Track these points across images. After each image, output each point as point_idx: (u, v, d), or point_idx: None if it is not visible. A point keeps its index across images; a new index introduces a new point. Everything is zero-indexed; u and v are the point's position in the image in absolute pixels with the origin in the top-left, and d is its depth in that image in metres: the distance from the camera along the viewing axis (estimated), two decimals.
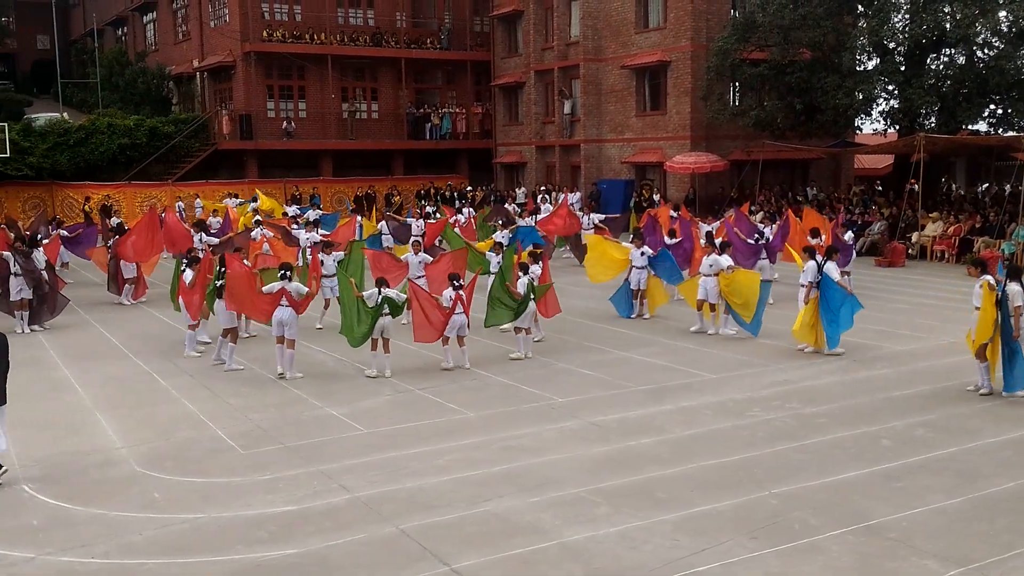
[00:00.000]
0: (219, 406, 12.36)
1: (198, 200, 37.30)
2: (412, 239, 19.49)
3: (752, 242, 20.74)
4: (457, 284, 14.30)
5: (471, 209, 31.50)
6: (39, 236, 20.01)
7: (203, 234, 21.62)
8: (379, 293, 13.68)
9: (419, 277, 16.61)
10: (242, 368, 14.52)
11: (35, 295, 17.45)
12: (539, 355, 15.12)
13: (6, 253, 17.56)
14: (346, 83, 42.96)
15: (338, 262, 17.64)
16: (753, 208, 31.29)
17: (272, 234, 22.16)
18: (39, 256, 17.89)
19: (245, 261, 15.12)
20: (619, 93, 36.83)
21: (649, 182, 36.25)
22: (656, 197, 34.24)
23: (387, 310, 13.68)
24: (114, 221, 27.77)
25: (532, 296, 14.88)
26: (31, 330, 17.41)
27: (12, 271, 17.21)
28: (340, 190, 41.64)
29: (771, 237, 20.95)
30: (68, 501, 9.00)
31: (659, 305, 18.27)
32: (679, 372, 13.90)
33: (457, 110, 44.83)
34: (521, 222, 23.54)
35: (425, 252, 18.00)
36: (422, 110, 44.30)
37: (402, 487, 9.24)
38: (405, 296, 14.02)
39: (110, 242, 21.20)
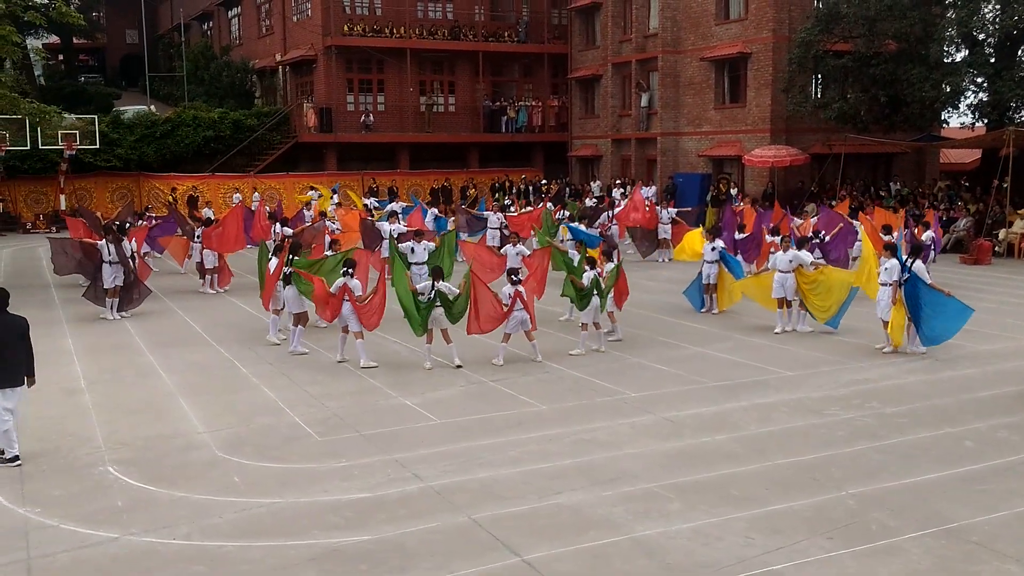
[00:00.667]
0: (297, 394, 12.60)
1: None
2: (510, 231, 19.94)
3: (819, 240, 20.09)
4: (516, 279, 14.24)
5: (550, 204, 31.45)
6: (127, 225, 20.63)
7: (278, 224, 22.11)
8: (432, 287, 13.66)
9: (515, 268, 16.75)
10: (307, 352, 14.86)
11: (124, 283, 18.02)
12: (612, 349, 15.07)
13: (100, 242, 18.15)
14: (424, 76, 43.31)
15: (430, 252, 18.01)
16: (834, 203, 30.63)
17: (338, 227, 22.77)
18: (127, 245, 18.46)
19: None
20: (697, 85, 36.43)
21: (726, 176, 35.76)
22: (733, 191, 33.77)
23: (439, 303, 13.65)
24: (206, 213, 28.61)
25: (596, 291, 14.75)
26: (119, 316, 17.97)
27: (106, 259, 17.78)
28: (416, 183, 42.00)
29: (827, 238, 20.48)
30: (152, 483, 9.28)
31: (735, 301, 18.06)
32: (754, 368, 13.76)
33: (533, 103, 44.83)
34: (581, 226, 23.31)
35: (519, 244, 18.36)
36: (498, 103, 44.43)
37: (474, 477, 9.32)
38: (457, 291, 13.92)
39: (197, 233, 21.72)
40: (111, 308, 18.03)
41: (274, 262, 15.47)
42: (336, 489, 9.07)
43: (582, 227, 22.89)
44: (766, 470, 9.46)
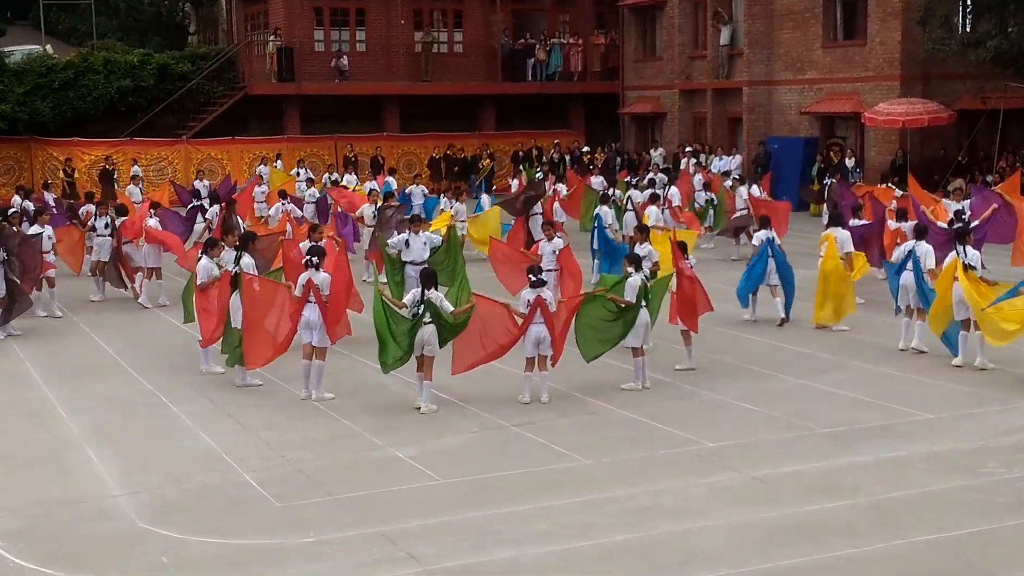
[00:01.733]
0: (247, 441, 12.64)
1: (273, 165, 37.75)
2: (542, 222, 20.16)
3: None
4: (536, 279, 14.22)
5: (601, 178, 31.49)
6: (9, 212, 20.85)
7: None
8: (422, 297, 13.61)
9: (550, 271, 16.87)
10: (260, 384, 14.95)
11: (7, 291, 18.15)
12: (681, 381, 15.06)
13: None
14: (420, 4, 43.47)
15: (433, 249, 18.09)
16: (990, 178, 30.48)
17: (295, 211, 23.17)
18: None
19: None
20: (799, 15, 36.33)
21: (839, 141, 35.63)
22: (849, 162, 33.66)
23: (429, 318, 13.60)
24: (132, 192, 28.81)
25: (645, 302, 14.69)
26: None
27: None
28: (410, 150, 42.16)
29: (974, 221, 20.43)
30: (49, 565, 9.30)
31: (848, 313, 17.99)
32: (879, 409, 13.68)
33: (571, 41, 44.90)
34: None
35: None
36: (522, 41, 44.50)
37: (491, 559, 9.31)
38: (452, 307, 13.88)
39: (103, 222, 21.86)
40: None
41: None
42: (302, 575, 9.06)
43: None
44: (898, 551, 9.38)
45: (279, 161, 37.35)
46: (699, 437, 12.60)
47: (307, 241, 16.77)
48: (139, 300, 20.95)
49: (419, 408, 13.74)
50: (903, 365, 15.85)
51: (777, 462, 11.71)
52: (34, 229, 19.72)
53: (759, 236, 18.66)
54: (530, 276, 14.36)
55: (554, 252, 18.17)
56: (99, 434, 12.99)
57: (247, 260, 15.26)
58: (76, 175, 36.63)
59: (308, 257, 14.48)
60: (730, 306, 19.89)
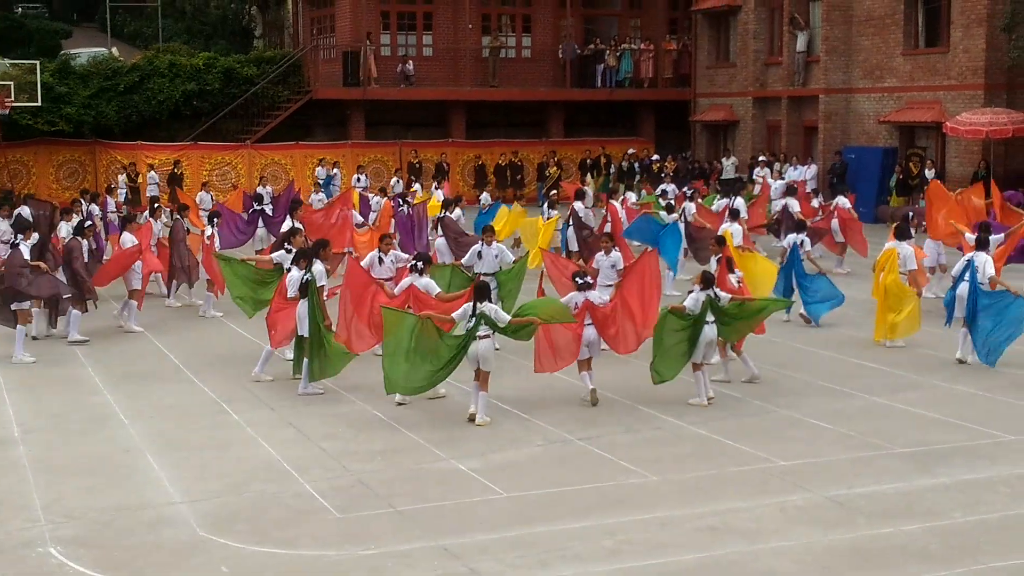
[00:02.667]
0: (309, 451, 12.75)
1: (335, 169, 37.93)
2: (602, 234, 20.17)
3: None
4: (582, 282, 14.42)
5: (673, 186, 31.46)
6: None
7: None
8: (474, 310, 13.65)
9: (607, 286, 16.83)
10: (322, 392, 15.09)
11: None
12: (752, 397, 14.97)
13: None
14: (488, 9, 43.66)
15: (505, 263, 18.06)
16: None
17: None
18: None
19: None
20: (878, 21, 36.03)
21: (919, 151, 35.26)
22: (929, 173, 33.28)
23: (484, 331, 13.64)
24: (203, 199, 29.11)
25: (710, 317, 14.52)
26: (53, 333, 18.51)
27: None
28: (476, 156, 42.25)
29: None
30: (109, 573, 9.44)
31: (910, 331, 17.76)
32: (958, 429, 13.53)
33: (642, 46, 44.84)
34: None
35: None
36: (592, 47, 44.51)
37: (556, 575, 9.30)
38: (508, 317, 13.97)
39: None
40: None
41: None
42: None
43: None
44: None
45: (336, 168, 37.66)
46: (770, 455, 12.52)
47: (375, 251, 16.99)
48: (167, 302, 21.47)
49: (473, 419, 13.77)
50: (983, 384, 15.64)
51: (851, 482, 11.60)
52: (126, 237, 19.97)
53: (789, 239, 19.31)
54: (576, 279, 14.53)
55: (613, 267, 17.87)
56: (160, 441, 13.17)
57: (319, 267, 15.32)
58: (140, 179, 37.08)
59: (414, 262, 14.83)
60: (803, 323, 19.77)
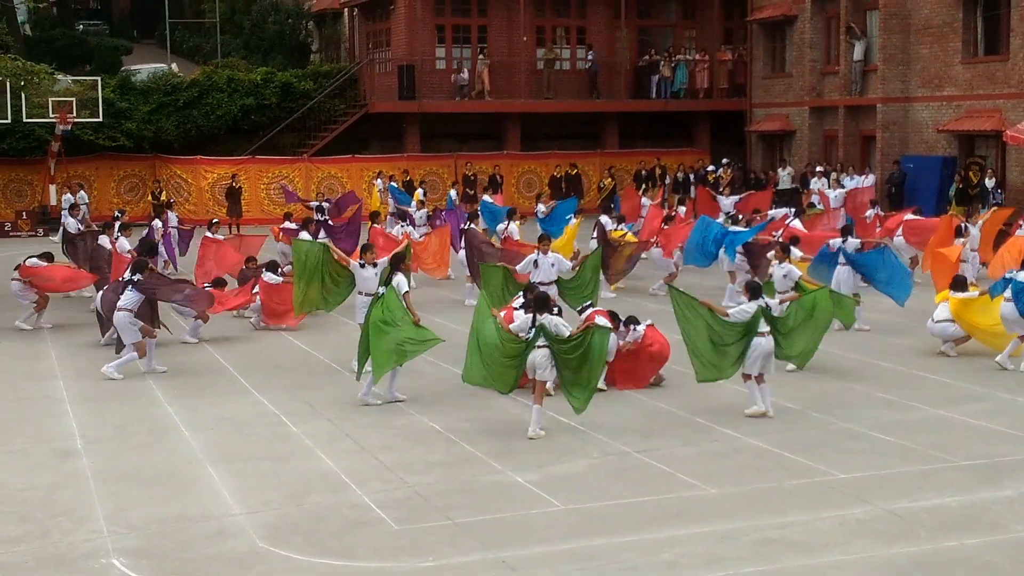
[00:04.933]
0: (366, 463, 12.82)
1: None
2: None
3: None
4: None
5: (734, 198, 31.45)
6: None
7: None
8: (534, 321, 13.70)
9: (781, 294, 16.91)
10: (379, 403, 15.23)
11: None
12: (811, 409, 14.87)
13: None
14: (543, 21, 43.74)
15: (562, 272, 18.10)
16: None
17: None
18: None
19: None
20: (937, 30, 35.72)
21: (979, 160, 34.88)
22: (989, 182, 32.93)
23: (542, 342, 13.65)
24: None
25: (759, 327, 14.40)
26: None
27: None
28: (530, 168, 42.30)
29: None
30: None
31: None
32: (1022, 442, 13.39)
33: (697, 57, 44.73)
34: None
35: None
36: (647, 58, 44.48)
37: None
38: (569, 331, 13.87)
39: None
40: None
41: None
42: None
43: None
44: None
45: (389, 179, 37.83)
46: (829, 467, 12.43)
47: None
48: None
49: (529, 433, 13.75)
50: None
51: (913, 495, 11.50)
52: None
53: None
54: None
55: (786, 276, 17.52)
56: (219, 453, 13.28)
57: (399, 278, 15.49)
58: (163, 196, 37.57)
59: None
60: (863, 333, 19.62)
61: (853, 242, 20.02)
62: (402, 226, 25.56)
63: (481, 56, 41.83)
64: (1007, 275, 17.31)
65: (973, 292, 17.80)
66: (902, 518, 10.89)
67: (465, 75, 42.08)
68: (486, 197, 32.00)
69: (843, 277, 19.62)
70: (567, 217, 26.63)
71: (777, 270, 17.11)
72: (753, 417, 14.46)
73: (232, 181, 37.67)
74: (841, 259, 19.87)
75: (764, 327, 14.43)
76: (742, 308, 14.53)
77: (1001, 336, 17.24)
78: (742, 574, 9.58)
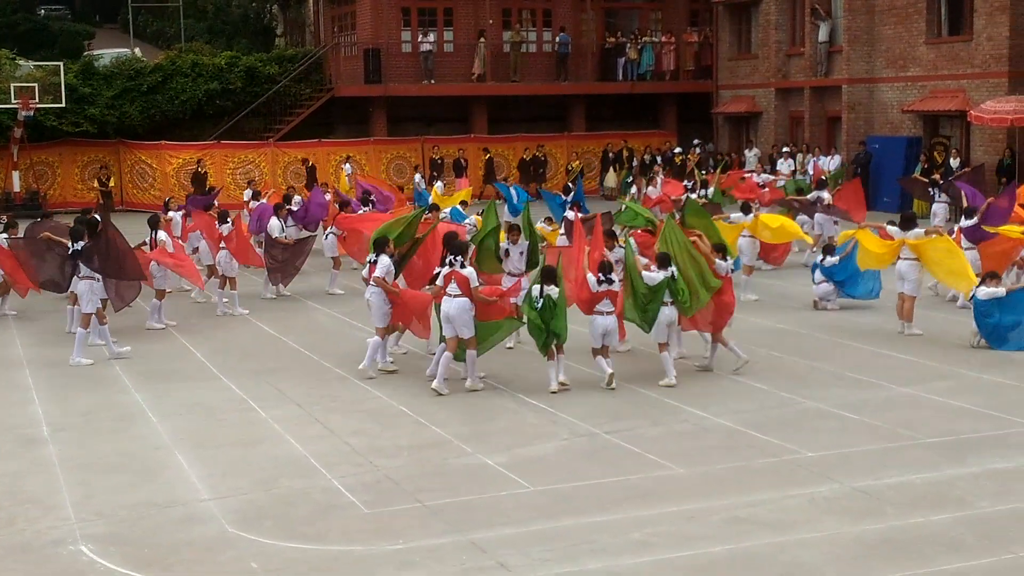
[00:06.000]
0: (336, 447, 12.79)
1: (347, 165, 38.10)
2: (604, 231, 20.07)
3: None
4: (607, 278, 14.67)
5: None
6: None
7: None
8: (541, 292, 14.54)
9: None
10: (373, 376, 15.57)
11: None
12: (779, 388, 14.94)
13: None
14: (508, 3, 43.55)
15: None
16: None
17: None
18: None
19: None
20: (900, 10, 35.85)
21: (944, 140, 35.09)
22: (954, 162, 33.11)
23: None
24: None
25: (674, 297, 14.95)
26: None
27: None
28: (496, 152, 42.23)
29: None
30: (139, 570, 9.50)
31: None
32: (988, 419, 13.48)
33: (663, 39, 44.75)
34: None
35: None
36: (613, 39, 44.45)
37: (583, 569, 9.32)
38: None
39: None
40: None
41: None
42: None
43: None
44: (1007, 567, 9.26)
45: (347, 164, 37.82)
46: (798, 447, 12.50)
47: None
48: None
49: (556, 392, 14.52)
50: (1015, 374, 15.58)
51: (880, 473, 11.57)
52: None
53: None
54: (599, 275, 14.74)
55: (617, 262, 17.81)
56: (188, 439, 13.22)
57: (383, 260, 15.63)
58: (112, 183, 37.34)
59: (452, 254, 14.90)
60: (830, 314, 19.74)
61: (831, 260, 20.07)
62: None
63: (481, 40, 41.81)
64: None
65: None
66: (869, 495, 10.95)
67: (433, 61, 41.82)
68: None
69: (821, 293, 20.06)
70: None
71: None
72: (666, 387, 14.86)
73: (197, 166, 37.53)
74: (818, 276, 20.14)
75: (668, 298, 14.82)
76: (650, 275, 14.88)
77: (964, 277, 17.56)
78: (711, 553, 9.61)
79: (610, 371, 14.73)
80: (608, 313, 14.74)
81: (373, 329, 16.09)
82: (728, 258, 16.04)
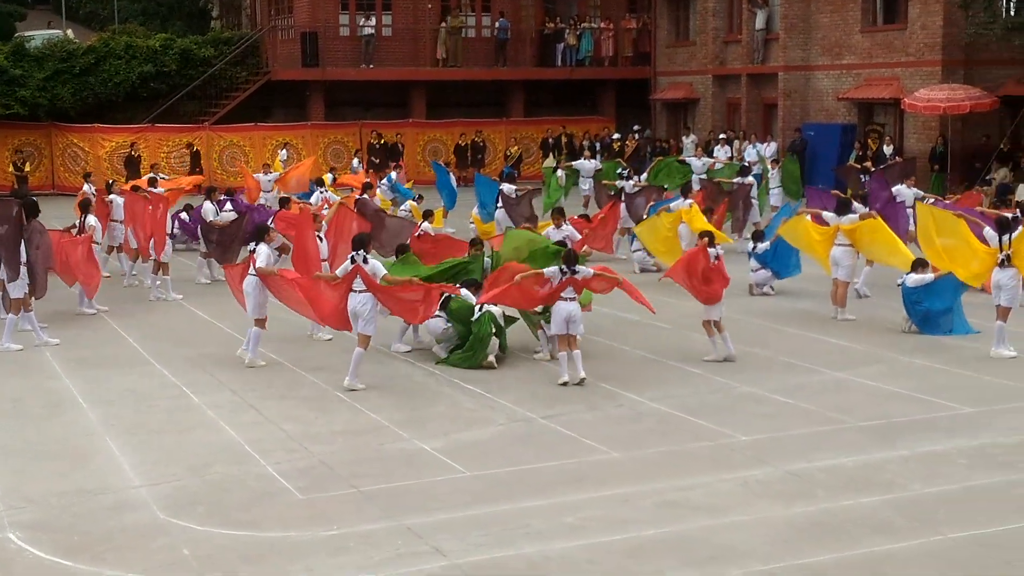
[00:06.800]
0: (270, 433, 12.72)
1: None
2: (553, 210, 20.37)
3: None
4: (569, 269, 14.49)
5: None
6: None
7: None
8: (562, 273, 14.51)
9: None
10: (264, 364, 15.35)
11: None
12: (714, 373, 15.06)
13: None
14: None
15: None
16: None
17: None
18: None
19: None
20: None
21: (878, 127, 35.45)
22: (888, 149, 33.48)
23: (571, 294, 14.44)
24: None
25: (570, 294, 14.81)
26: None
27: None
28: (435, 137, 42.17)
29: None
30: (69, 557, 9.41)
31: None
32: (917, 402, 13.66)
33: (602, 25, 44.82)
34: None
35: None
36: (552, 25, 44.45)
37: (519, 553, 9.35)
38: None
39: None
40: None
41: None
42: (325, 567, 9.13)
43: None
44: (935, 548, 9.38)
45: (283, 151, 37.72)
46: (732, 431, 12.60)
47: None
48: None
49: (566, 384, 14.36)
50: (944, 358, 15.80)
51: (811, 456, 11.70)
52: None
53: None
54: (563, 263, 14.55)
55: (565, 239, 18.19)
56: (120, 425, 13.10)
57: (263, 249, 15.48)
58: (27, 168, 36.93)
59: (356, 247, 14.58)
60: (766, 299, 19.92)
61: (762, 245, 20.14)
62: (320, 191, 25.35)
63: (444, 24, 41.68)
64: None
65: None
66: (801, 478, 11.07)
67: (374, 45, 41.60)
68: (392, 173, 31.81)
69: (758, 280, 20.20)
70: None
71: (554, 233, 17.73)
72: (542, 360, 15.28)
73: (131, 150, 37.11)
74: (753, 263, 20.26)
75: (571, 293, 14.50)
76: (550, 269, 14.77)
77: (899, 254, 17.80)
78: (644, 536, 9.67)
79: (564, 378, 14.38)
80: (572, 299, 14.44)
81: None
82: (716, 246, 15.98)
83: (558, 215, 19.57)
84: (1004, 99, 32.76)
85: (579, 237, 19.52)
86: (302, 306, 15.29)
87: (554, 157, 40.26)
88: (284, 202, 23.55)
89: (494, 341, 15.33)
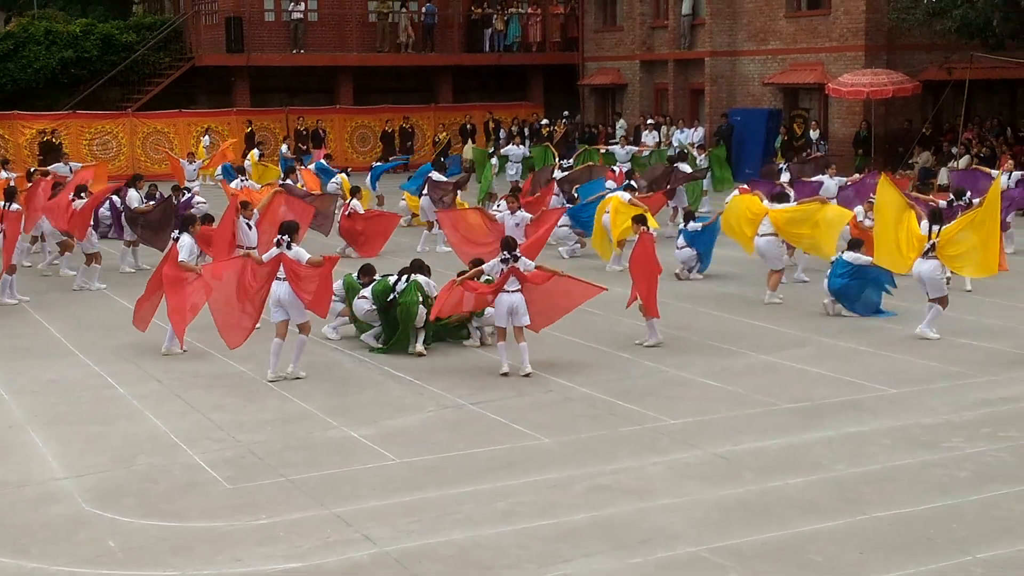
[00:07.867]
0: (197, 422, 12.61)
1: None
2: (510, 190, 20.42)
3: None
4: (511, 255, 14.38)
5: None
6: None
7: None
8: (406, 278, 14.90)
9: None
10: (305, 375, 14.42)
11: None
12: (643, 358, 15.15)
13: None
14: None
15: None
16: (955, 150, 30.77)
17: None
18: None
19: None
20: None
21: (803, 112, 35.85)
22: (813, 133, 33.87)
23: (514, 286, 14.28)
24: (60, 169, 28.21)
25: (513, 286, 14.71)
26: None
27: None
28: (363, 123, 41.99)
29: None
30: None
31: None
32: (843, 384, 13.82)
33: (530, 10, 44.87)
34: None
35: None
36: (480, 11, 44.40)
37: (449, 539, 9.36)
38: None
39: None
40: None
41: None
42: (253, 557, 9.08)
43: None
44: (860, 527, 9.50)
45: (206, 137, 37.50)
46: (660, 414, 12.68)
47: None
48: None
49: (507, 375, 14.21)
50: (869, 340, 15.99)
51: (739, 439, 11.81)
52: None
53: None
54: (504, 253, 14.42)
55: (519, 225, 18.27)
56: (43, 416, 12.92)
57: (186, 240, 15.40)
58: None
59: (281, 233, 14.32)
60: (693, 283, 20.07)
61: (694, 225, 20.30)
62: (241, 180, 25.29)
63: (404, 10, 41.73)
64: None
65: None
66: (729, 461, 11.18)
67: (300, 30, 41.30)
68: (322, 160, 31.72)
69: (684, 258, 20.28)
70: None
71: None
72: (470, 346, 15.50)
73: (52, 137, 36.60)
74: (681, 241, 20.34)
75: (514, 285, 14.35)
76: (490, 263, 14.75)
77: (826, 241, 18.09)
78: (575, 520, 9.71)
79: (505, 368, 14.24)
80: (514, 291, 14.23)
81: None
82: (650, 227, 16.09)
83: (512, 199, 19.57)
84: (926, 84, 33.27)
85: (530, 220, 19.35)
86: (190, 313, 15.23)
87: (472, 143, 40.27)
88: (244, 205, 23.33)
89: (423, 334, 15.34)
